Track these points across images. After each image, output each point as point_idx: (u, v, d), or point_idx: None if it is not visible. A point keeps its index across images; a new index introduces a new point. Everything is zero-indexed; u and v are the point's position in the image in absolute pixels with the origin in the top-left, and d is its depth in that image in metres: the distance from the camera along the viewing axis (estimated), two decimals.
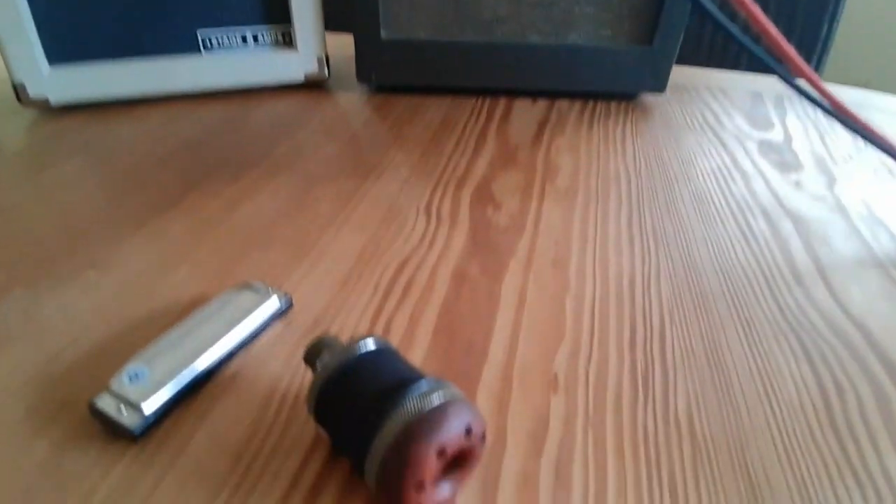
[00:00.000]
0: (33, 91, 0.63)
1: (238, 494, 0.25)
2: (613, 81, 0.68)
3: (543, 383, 0.31)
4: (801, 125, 0.67)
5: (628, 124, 0.64)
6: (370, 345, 0.26)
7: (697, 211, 0.48)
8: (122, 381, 0.28)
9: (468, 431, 0.22)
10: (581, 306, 0.37)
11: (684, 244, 0.44)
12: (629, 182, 0.52)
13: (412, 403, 0.22)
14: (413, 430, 0.21)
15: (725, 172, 0.55)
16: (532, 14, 0.66)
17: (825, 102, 0.46)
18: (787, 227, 0.47)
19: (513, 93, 0.73)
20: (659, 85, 0.69)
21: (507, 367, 0.32)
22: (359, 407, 0.23)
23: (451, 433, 0.22)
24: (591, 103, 0.70)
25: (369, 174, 0.52)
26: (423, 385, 0.23)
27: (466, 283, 0.39)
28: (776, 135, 0.64)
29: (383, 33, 0.67)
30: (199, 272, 0.39)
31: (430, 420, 0.21)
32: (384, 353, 0.26)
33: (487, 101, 0.70)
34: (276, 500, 0.25)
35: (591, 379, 0.31)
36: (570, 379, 0.31)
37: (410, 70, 0.69)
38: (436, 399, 0.22)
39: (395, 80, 0.69)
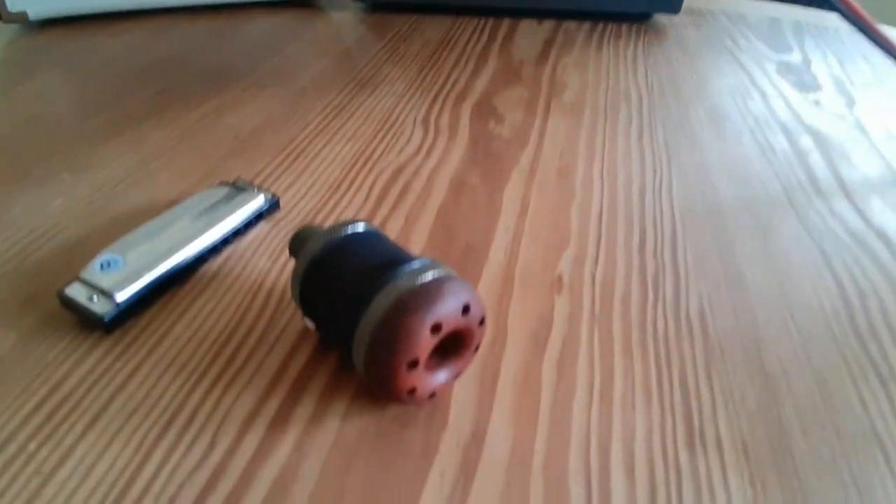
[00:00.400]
0: (12, 5, 0.59)
1: (218, 386, 0.24)
2: (626, 1, 0.64)
3: (546, 284, 0.29)
4: (820, 50, 0.64)
5: (640, 45, 0.61)
6: (358, 227, 0.23)
7: (713, 127, 0.45)
8: (94, 270, 0.26)
9: (466, 310, 0.20)
10: (587, 213, 0.35)
11: (699, 157, 0.41)
12: (640, 99, 0.49)
13: (404, 278, 0.20)
14: (405, 304, 0.19)
15: (743, 91, 0.52)
16: None
17: (873, 34, 0.43)
18: (806, 142, 0.44)
19: (517, 14, 0.68)
20: (673, 5, 0.65)
21: (508, 269, 0.30)
22: (346, 287, 0.21)
23: (446, 308, 0.20)
24: (600, 25, 0.66)
25: (363, 88, 0.49)
26: (417, 263, 0.21)
27: (466, 190, 0.36)
28: (795, 57, 0.61)
29: None
30: (181, 177, 0.36)
31: (424, 293, 0.19)
32: (374, 236, 0.23)
33: (490, 22, 0.66)
34: (258, 394, 0.23)
35: (598, 281, 0.30)
36: (575, 280, 0.29)
37: None
38: (430, 275, 0.20)
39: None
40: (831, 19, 0.75)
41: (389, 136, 0.42)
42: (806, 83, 0.55)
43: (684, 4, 0.76)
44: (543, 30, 0.64)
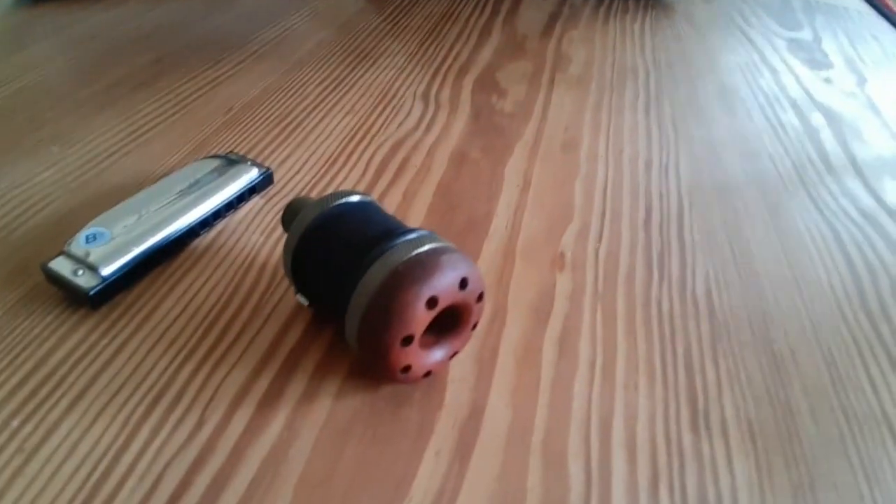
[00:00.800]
0: None
1: (207, 364, 0.23)
2: None
3: (549, 260, 0.28)
4: (831, 28, 0.62)
5: (647, 20, 0.59)
6: (353, 198, 0.23)
7: (722, 103, 0.44)
8: (80, 243, 0.25)
9: (463, 284, 0.19)
10: (592, 188, 0.33)
11: (707, 133, 0.40)
12: (648, 74, 0.48)
13: (400, 249, 0.19)
14: (401, 275, 0.18)
15: (753, 67, 0.50)
16: None
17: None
18: (817, 120, 0.43)
19: None
20: None
21: (509, 244, 0.29)
22: (339, 258, 0.20)
23: (444, 282, 0.19)
24: (593, 4, 0.64)
25: (362, 61, 0.48)
26: (414, 233, 0.20)
27: (467, 165, 0.35)
28: (805, 35, 0.59)
29: None
30: (174, 148, 0.35)
31: (420, 265, 0.19)
32: (369, 206, 0.22)
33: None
34: (248, 371, 0.23)
35: (602, 257, 0.29)
36: (578, 256, 0.29)
37: None
38: (428, 247, 0.19)
39: None
40: None
41: (389, 110, 0.41)
42: (817, 60, 0.53)
43: None
44: (548, 4, 0.62)
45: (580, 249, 0.29)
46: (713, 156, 0.37)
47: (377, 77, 0.45)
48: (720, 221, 0.31)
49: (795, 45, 0.56)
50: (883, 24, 0.64)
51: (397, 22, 0.56)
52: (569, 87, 0.45)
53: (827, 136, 0.40)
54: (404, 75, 0.46)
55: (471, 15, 0.58)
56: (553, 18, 0.59)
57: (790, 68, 0.51)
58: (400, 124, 0.39)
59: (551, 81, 0.46)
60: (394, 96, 0.42)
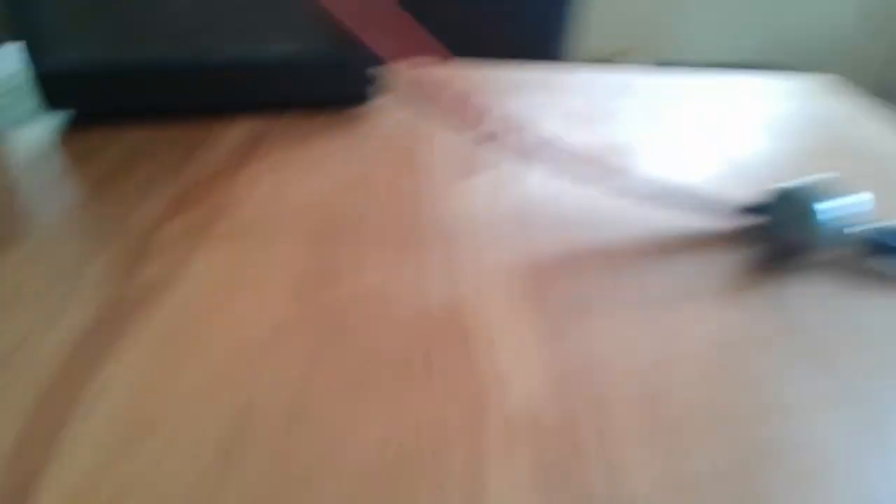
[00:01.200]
0: None
1: None
2: (321, 92, 0.62)
3: None
4: (506, 123, 0.64)
5: (337, 140, 0.57)
6: None
7: (379, 239, 0.43)
8: None
9: None
10: (196, 400, 0.30)
11: (362, 283, 0.38)
12: (318, 214, 0.45)
13: None
14: None
15: (413, 193, 0.50)
16: (226, 24, 0.57)
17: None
18: (456, 245, 0.43)
19: (218, 110, 0.62)
20: (365, 95, 0.63)
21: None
22: None
23: None
24: (301, 120, 0.61)
25: None
26: None
27: (49, 396, 0.30)
28: (474, 135, 0.60)
29: (47, 56, 0.55)
30: None
31: None
32: None
33: (183, 128, 0.59)
34: None
35: None
36: None
37: (86, 97, 0.57)
38: None
39: (65, 107, 0.57)
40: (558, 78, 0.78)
41: None
42: (468, 169, 0.55)
43: (393, 84, 0.74)
44: (239, 131, 0.59)
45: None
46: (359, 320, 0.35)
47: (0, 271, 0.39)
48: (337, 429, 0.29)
49: (456, 155, 0.58)
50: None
51: (59, 184, 0.49)
52: (227, 242, 0.42)
53: (459, 267, 0.41)
54: (30, 264, 0.40)
55: (152, 157, 0.53)
56: (255, 143, 0.56)
57: (445, 186, 0.52)
58: None
59: (212, 236, 0.42)
60: (13, 299, 0.36)
